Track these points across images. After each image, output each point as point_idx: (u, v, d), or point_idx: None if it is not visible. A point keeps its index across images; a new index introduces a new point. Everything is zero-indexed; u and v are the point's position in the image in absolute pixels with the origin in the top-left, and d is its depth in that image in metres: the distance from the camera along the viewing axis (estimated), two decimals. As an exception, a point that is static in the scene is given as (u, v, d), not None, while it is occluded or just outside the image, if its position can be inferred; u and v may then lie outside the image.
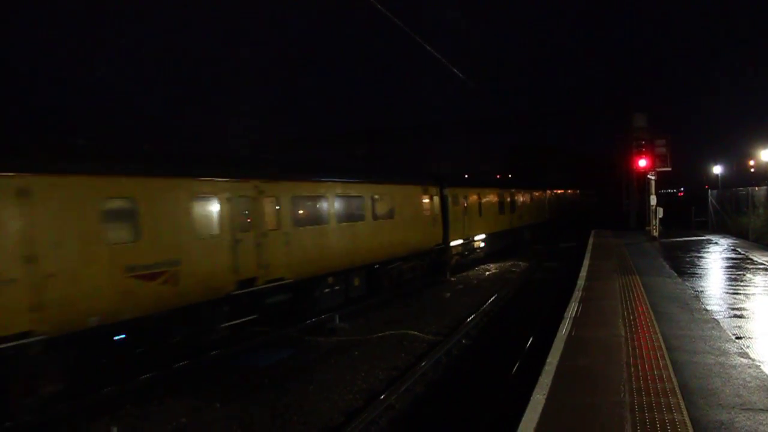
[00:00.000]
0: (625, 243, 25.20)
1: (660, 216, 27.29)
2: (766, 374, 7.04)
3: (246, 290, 12.36)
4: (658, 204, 27.34)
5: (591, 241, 26.55)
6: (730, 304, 11.36)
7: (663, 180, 32.53)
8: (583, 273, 15.96)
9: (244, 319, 12.44)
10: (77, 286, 9.07)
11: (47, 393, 8.93)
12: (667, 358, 7.77)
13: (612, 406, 6.16)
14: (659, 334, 9.05)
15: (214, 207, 11.86)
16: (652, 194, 27.52)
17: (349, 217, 16.45)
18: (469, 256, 26.05)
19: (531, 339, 12.97)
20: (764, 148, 35.64)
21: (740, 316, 10.28)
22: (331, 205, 15.61)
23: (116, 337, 10.10)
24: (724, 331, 9.21)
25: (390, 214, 18.67)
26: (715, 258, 19.52)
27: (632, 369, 7.37)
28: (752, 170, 54.33)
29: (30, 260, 8.47)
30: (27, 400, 8.66)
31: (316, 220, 15.06)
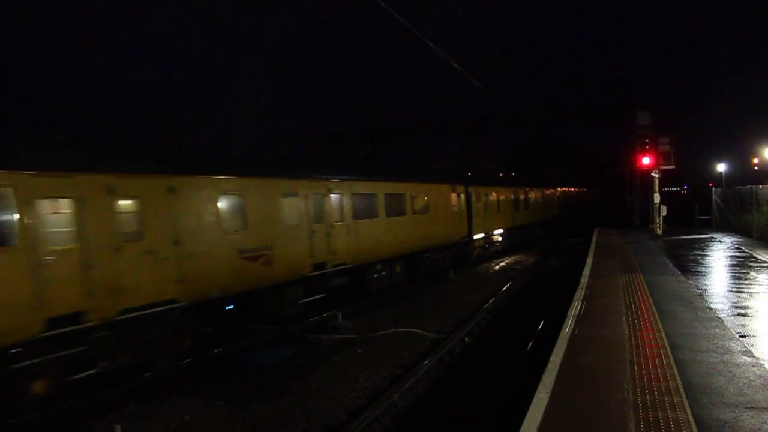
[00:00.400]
0: (628, 241, 25.15)
1: (663, 214, 27.22)
2: (770, 373, 7.02)
3: (318, 272, 14.75)
4: (662, 202, 27.27)
5: (594, 239, 26.51)
6: (734, 303, 11.32)
7: (666, 178, 32.44)
8: (587, 271, 15.93)
9: (315, 297, 14.69)
10: (206, 264, 11.36)
11: (186, 348, 11.25)
12: (671, 357, 7.76)
13: (615, 405, 6.14)
14: (663, 333, 9.03)
15: (296, 203, 14.23)
16: (655, 192, 27.46)
17: (394, 212, 18.73)
18: (489, 249, 28.18)
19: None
20: (768, 146, 35.53)
21: (744, 315, 10.25)
22: (381, 201, 18.03)
23: (228, 307, 12.42)
24: (728, 329, 9.18)
25: (425, 210, 21.05)
26: (718, 256, 19.46)
27: (636, 367, 7.36)
28: (756, 168, 54.17)
29: (176, 243, 10.74)
30: (172, 352, 10.94)
31: (369, 214, 17.33)
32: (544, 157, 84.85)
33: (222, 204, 12.04)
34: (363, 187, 17.25)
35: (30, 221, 8.56)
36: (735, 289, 12.81)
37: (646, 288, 13.05)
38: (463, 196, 24.47)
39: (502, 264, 26.83)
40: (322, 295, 14.92)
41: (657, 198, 27.24)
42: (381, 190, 18.17)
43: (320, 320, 15.03)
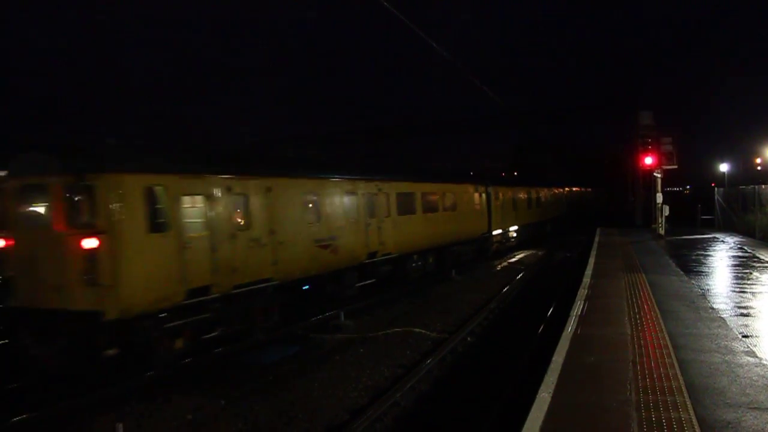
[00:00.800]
0: (630, 241, 25.13)
1: (666, 214, 27.19)
2: (773, 373, 7.00)
3: (371, 260, 17.12)
4: (664, 202, 27.24)
5: (596, 239, 26.49)
6: (736, 303, 11.31)
7: (669, 178, 32.42)
8: (589, 271, 15.92)
9: (367, 282, 17.11)
10: (292, 250, 13.55)
11: (274, 320, 13.34)
12: (674, 357, 7.74)
13: (618, 405, 6.13)
14: (665, 333, 9.02)
15: (355, 200, 16.60)
16: (658, 192, 27.43)
17: (428, 209, 21.04)
18: (505, 244, 30.42)
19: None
20: (771, 145, 35.43)
21: (747, 315, 10.23)
22: (418, 199, 20.32)
23: (304, 287, 14.77)
24: (731, 329, 9.17)
25: (453, 208, 23.31)
26: (721, 256, 19.44)
27: (638, 367, 7.35)
28: (759, 168, 54.07)
29: (272, 232, 12.92)
30: (265, 324, 13.10)
31: (409, 211, 19.61)
32: (547, 156, 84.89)
33: (303, 201, 14.46)
34: (405, 187, 19.64)
35: (176, 213, 10.75)
36: (738, 290, 12.79)
37: (648, 288, 13.04)
38: (484, 195, 26.67)
39: (518, 257, 29.11)
40: (373, 280, 17.39)
41: (659, 198, 27.23)
42: (418, 189, 20.55)
43: (322, 319, 15.03)
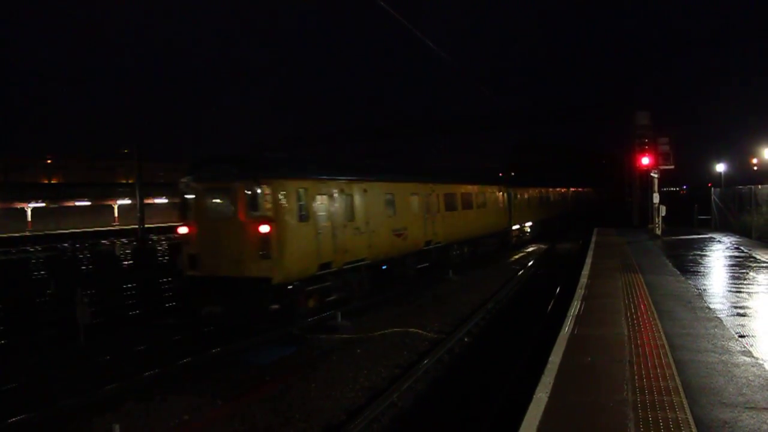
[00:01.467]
0: (627, 241, 25.16)
1: (663, 214, 27.22)
2: (769, 373, 7.01)
3: (427, 247, 21.17)
4: (661, 202, 27.27)
5: (593, 238, 26.51)
6: (733, 303, 11.32)
7: (666, 178, 32.49)
8: (586, 271, 15.93)
9: (424, 265, 21.07)
10: (379, 237, 17.49)
11: (366, 290, 17.27)
12: (670, 357, 7.75)
13: (615, 405, 6.14)
14: (662, 333, 9.03)
15: (418, 199, 20.65)
16: (654, 192, 27.47)
17: (466, 207, 25.16)
18: (522, 237, 34.50)
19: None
20: (767, 146, 35.53)
21: (743, 315, 10.25)
22: (459, 198, 24.46)
23: (383, 267, 18.54)
24: (728, 329, 9.18)
25: (484, 205, 27.65)
26: (718, 256, 19.47)
27: (635, 367, 7.35)
28: (755, 168, 54.17)
29: (367, 222, 16.78)
30: (359, 293, 16.91)
31: (453, 207, 23.64)
32: (545, 156, 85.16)
33: (386, 200, 18.42)
34: (450, 188, 23.80)
35: (313, 208, 14.44)
36: (734, 289, 12.81)
37: (645, 288, 13.05)
38: (506, 195, 30.89)
39: (528, 250, 32.59)
40: (427, 264, 21.29)
41: (656, 198, 27.25)
42: (459, 190, 24.73)
43: (319, 320, 15.02)
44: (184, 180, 14.61)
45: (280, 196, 13.46)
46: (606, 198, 69.82)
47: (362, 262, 16.60)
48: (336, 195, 15.52)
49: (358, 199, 16.59)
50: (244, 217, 13.41)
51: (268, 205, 13.29)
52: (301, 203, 14.06)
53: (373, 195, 17.40)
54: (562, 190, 47.24)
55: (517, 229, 33.28)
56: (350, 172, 17.38)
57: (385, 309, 16.71)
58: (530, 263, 26.26)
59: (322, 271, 14.73)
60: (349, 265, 15.93)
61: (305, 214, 14.12)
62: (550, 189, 42.38)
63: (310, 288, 14.45)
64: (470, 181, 26.90)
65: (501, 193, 30.25)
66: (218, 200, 14.24)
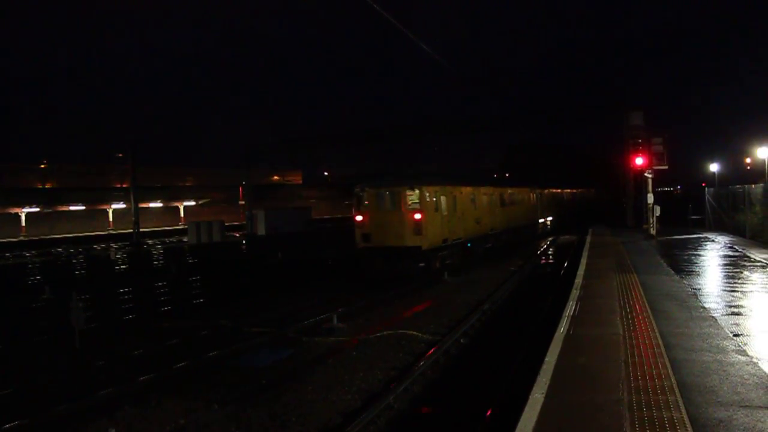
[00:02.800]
0: (622, 241, 25.22)
1: (657, 214, 27.30)
2: (764, 371, 7.03)
3: (492, 233, 29.35)
4: (655, 202, 27.36)
5: (588, 239, 26.56)
6: (727, 302, 11.36)
7: (660, 178, 32.62)
8: (581, 271, 15.96)
9: (489, 245, 29.22)
10: (467, 224, 25.57)
11: (460, 258, 24.71)
12: (665, 356, 7.77)
13: (611, 405, 6.15)
14: (657, 332, 9.04)
15: (485, 197, 28.59)
16: (649, 192, 27.55)
17: (511, 204, 33.39)
18: (544, 230, 42.21)
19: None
20: (761, 145, 35.70)
21: (738, 314, 10.28)
22: (507, 197, 32.81)
23: (468, 244, 25.55)
24: (722, 328, 9.21)
25: (521, 203, 36.01)
26: (712, 255, 19.54)
27: (630, 367, 7.37)
28: (749, 168, 54.39)
29: (462, 213, 24.99)
30: (458, 260, 24.28)
31: (503, 204, 31.78)
32: (539, 157, 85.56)
33: (470, 198, 26.38)
34: (503, 191, 32.33)
35: (438, 202, 22.25)
36: (729, 289, 12.86)
37: (640, 288, 13.08)
38: (534, 195, 39.24)
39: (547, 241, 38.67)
40: (490, 245, 29.37)
41: (650, 198, 27.33)
42: (507, 191, 33.11)
43: (315, 323, 15.01)
44: (359, 186, 22.67)
45: (425, 196, 21.62)
46: (607, 198, 71.34)
47: (459, 240, 24.49)
48: (444, 196, 23.02)
49: (457, 197, 24.45)
50: (405, 209, 21.37)
51: (421, 201, 21.40)
52: (433, 200, 21.99)
53: (463, 195, 25.44)
54: (573, 191, 56.38)
55: (542, 223, 41.73)
56: (453, 181, 25.76)
57: (381, 310, 16.70)
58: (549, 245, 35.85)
59: (443, 244, 22.80)
60: (454, 241, 23.87)
61: (435, 207, 22.11)
62: (565, 190, 51.98)
63: (438, 254, 22.60)
64: (514, 185, 36.26)
65: (532, 194, 38.88)
66: (386, 199, 21.96)
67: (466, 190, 26.07)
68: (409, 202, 21.40)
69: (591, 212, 55.54)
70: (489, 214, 28.98)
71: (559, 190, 48.94)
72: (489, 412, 9.08)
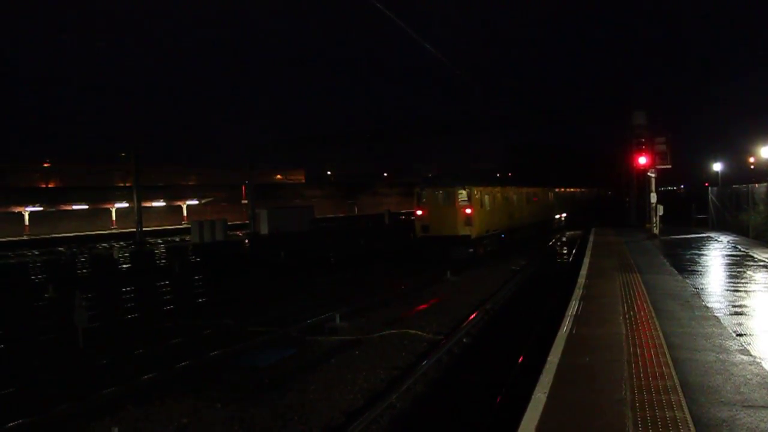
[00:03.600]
0: (625, 240, 25.20)
1: (660, 213, 27.27)
2: (767, 371, 7.02)
3: (521, 225, 34.81)
4: (659, 201, 27.32)
5: (591, 238, 26.54)
6: (730, 301, 11.34)
7: (663, 177, 32.58)
8: (584, 271, 15.95)
9: (518, 236, 33.69)
10: (502, 217, 31.03)
11: (498, 246, 30.21)
12: (668, 356, 7.76)
13: (613, 404, 6.15)
14: (660, 332, 9.04)
15: (514, 195, 33.93)
16: (652, 192, 27.51)
17: (533, 201, 38.62)
18: (559, 224, 46.95)
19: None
20: (764, 145, 35.60)
21: (741, 313, 10.26)
22: (531, 195, 38.28)
23: (502, 235, 30.90)
24: (725, 328, 9.20)
25: (542, 201, 41.39)
26: (715, 255, 19.51)
27: (633, 366, 7.37)
28: (752, 167, 54.27)
29: (502, 207, 32.00)
30: (482, 254, 27.91)
31: (528, 201, 37.22)
32: (542, 157, 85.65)
33: (504, 196, 31.25)
34: (528, 190, 37.66)
35: (479, 199, 27.29)
36: (732, 288, 12.84)
37: (643, 287, 13.07)
38: (551, 194, 44.94)
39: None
40: (519, 236, 33.85)
41: (654, 197, 27.30)
42: (531, 191, 38.36)
43: (317, 322, 15.02)
44: (419, 187, 28.24)
45: (473, 193, 26.73)
46: (612, 196, 72.89)
47: (497, 231, 29.85)
48: (489, 194, 28.87)
49: (495, 195, 30.00)
50: (458, 205, 26.26)
51: (470, 198, 26.41)
52: (477, 197, 27.14)
53: (500, 193, 30.95)
54: (582, 190, 62.20)
55: (558, 218, 47.32)
56: (491, 182, 32.12)
57: (383, 310, 16.70)
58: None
59: (486, 234, 28.09)
60: (494, 232, 29.27)
61: (480, 204, 27.48)
62: (575, 190, 58.07)
63: (483, 242, 27.72)
64: (535, 185, 40.79)
65: (550, 193, 44.57)
66: (442, 197, 26.88)
67: (501, 189, 31.66)
68: (461, 199, 26.29)
69: (597, 210, 60.62)
70: (518, 210, 34.59)
71: (570, 190, 54.95)
72: (491, 411, 9.08)
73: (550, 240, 38.44)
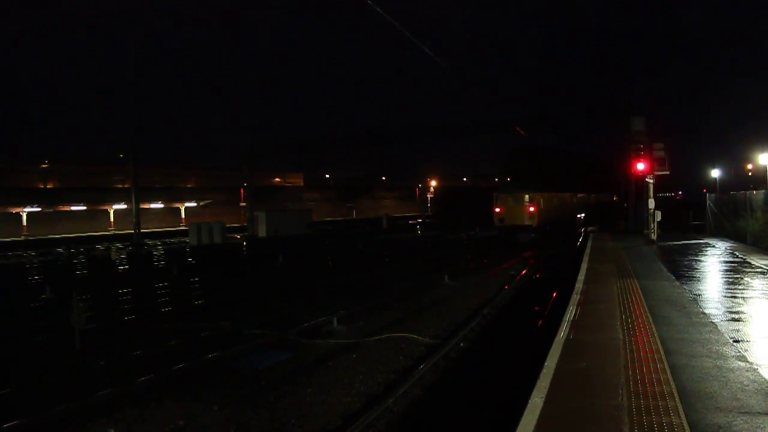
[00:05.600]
0: (623, 246, 25.22)
1: (658, 219, 27.31)
2: (764, 378, 7.03)
3: (557, 220, 46.59)
4: (656, 207, 27.36)
5: (589, 244, 26.56)
6: (728, 308, 11.36)
7: (661, 183, 32.72)
8: (581, 276, 15.96)
9: (556, 228, 44.57)
10: (544, 214, 44.69)
11: (533, 236, 41.76)
12: (665, 362, 7.77)
13: (610, 410, 6.15)
14: (657, 338, 9.05)
15: (554, 200, 47.45)
16: (650, 198, 27.55)
17: (565, 203, 49.63)
18: (580, 222, 54.15)
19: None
20: (762, 151, 35.68)
21: (738, 320, 10.28)
22: (563, 198, 50.07)
23: (547, 227, 43.45)
24: (722, 334, 9.21)
25: (569, 203, 51.10)
26: (712, 261, 19.54)
27: (630, 372, 7.37)
28: (750, 174, 54.42)
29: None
30: (534, 237, 41.43)
31: (558, 202, 48.33)
32: (540, 162, 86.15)
33: (546, 199, 44.13)
34: (557, 194, 47.44)
35: (539, 202, 43.19)
36: (729, 294, 12.85)
37: (640, 293, 13.08)
38: (575, 198, 55.26)
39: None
40: (556, 228, 43.22)
41: (652, 203, 27.34)
42: (563, 195, 48.80)
43: (315, 325, 15.02)
44: (496, 193, 43.14)
45: (531, 198, 40.00)
46: (618, 201, 75.22)
47: (546, 222, 38.92)
48: (542, 197, 40.94)
49: (543, 198, 41.96)
50: (524, 204, 40.81)
51: (533, 200, 40.75)
52: (536, 200, 39.87)
53: (545, 197, 42.44)
54: (595, 195, 71.63)
55: (579, 217, 56.01)
56: (540, 188, 43.00)
57: (381, 314, 16.70)
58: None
59: (540, 224, 39.62)
60: (544, 223, 39.12)
61: (537, 204, 39.19)
62: (592, 194, 67.60)
63: (538, 230, 38.61)
64: (561, 190, 50.55)
65: (574, 197, 55.47)
66: (514, 198, 41.28)
67: (548, 194, 44.73)
68: (526, 201, 41.32)
69: (608, 211, 68.07)
70: (558, 209, 47.38)
71: (586, 194, 65.52)
72: (488, 416, 9.09)
73: (536, 252, 37.79)
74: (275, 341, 13.78)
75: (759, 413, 5.94)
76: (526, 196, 41.42)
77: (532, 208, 41.18)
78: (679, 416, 5.93)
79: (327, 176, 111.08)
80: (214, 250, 41.35)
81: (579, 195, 59.32)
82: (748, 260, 18.76)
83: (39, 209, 59.80)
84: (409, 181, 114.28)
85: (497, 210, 42.49)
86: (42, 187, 68.71)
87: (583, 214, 58.22)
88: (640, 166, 27.11)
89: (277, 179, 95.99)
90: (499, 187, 48.66)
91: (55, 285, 22.44)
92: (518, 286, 21.81)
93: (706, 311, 11.01)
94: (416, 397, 10.09)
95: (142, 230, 49.24)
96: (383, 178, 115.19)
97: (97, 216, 64.91)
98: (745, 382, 6.87)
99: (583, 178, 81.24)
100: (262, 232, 52.65)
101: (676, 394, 6.54)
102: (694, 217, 34.58)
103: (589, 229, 48.63)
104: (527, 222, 41.08)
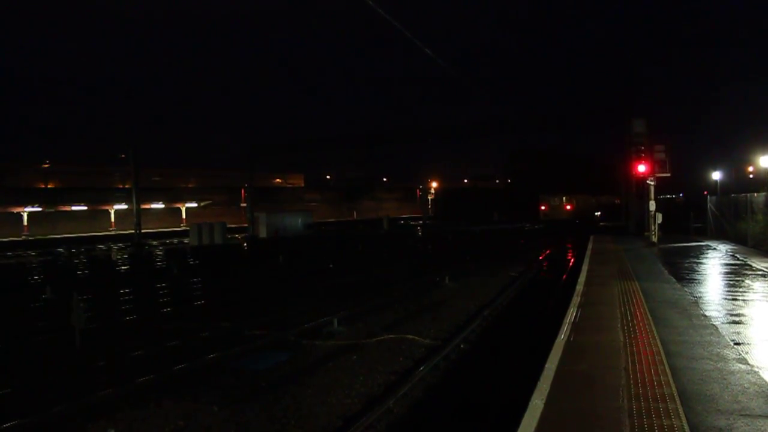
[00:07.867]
0: (623, 248, 25.21)
1: (659, 221, 27.30)
2: (764, 380, 7.02)
3: (586, 217, 71.88)
4: (657, 209, 27.35)
5: (590, 246, 26.55)
6: (728, 310, 11.35)
7: (662, 185, 32.68)
8: (582, 278, 15.95)
9: (582, 223, 65.63)
10: (575, 211, 79.81)
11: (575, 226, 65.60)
12: (666, 364, 7.76)
13: (610, 412, 6.14)
14: (658, 340, 9.04)
15: (582, 201, 78.28)
16: (651, 200, 27.55)
17: (589, 204, 76.21)
18: (598, 219, 64.84)
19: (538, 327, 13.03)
20: (763, 154, 35.67)
21: (739, 322, 10.27)
22: (588, 200, 77.10)
23: (576, 221, 66.62)
24: (723, 336, 9.20)
25: (591, 203, 75.15)
26: (713, 264, 19.52)
27: (631, 374, 7.36)
28: (751, 176, 54.38)
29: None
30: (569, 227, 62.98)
31: (581, 203, 76.97)
32: (541, 163, 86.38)
33: (576, 200, 76.23)
34: (584, 196, 76.05)
35: (560, 204, 78.36)
36: (730, 297, 12.85)
37: (641, 295, 13.07)
38: (594, 199, 73.90)
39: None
40: (577, 221, 66.13)
41: (652, 205, 27.34)
42: (586, 197, 75.14)
43: (315, 326, 15.01)
44: (542, 195, 74.85)
45: (559, 201, 72.44)
46: (623, 202, 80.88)
47: (576, 217, 62.35)
48: (574, 199, 69.81)
49: (577, 199, 70.71)
50: (563, 203, 74.11)
51: (565, 201, 73.79)
52: (571, 200, 70.01)
53: (575, 198, 69.34)
54: (607, 197, 79.84)
55: (597, 215, 68.11)
56: (573, 193, 72.94)
57: (381, 315, 16.69)
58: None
59: (573, 218, 60.72)
60: (576, 218, 61.12)
61: (572, 203, 71.54)
62: (603, 196, 77.43)
63: (572, 222, 59.75)
64: (581, 193, 67.21)
65: (592, 199, 70.07)
66: (556, 199, 74.46)
67: (578, 196, 62.95)
68: (564, 202, 68.49)
69: (616, 211, 76.89)
70: (585, 208, 64.19)
71: (601, 196, 78.08)
72: (489, 418, 9.08)
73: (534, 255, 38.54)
74: (275, 342, 13.76)
75: (760, 416, 5.93)
76: (564, 198, 67.92)
77: (569, 207, 66.83)
78: (680, 418, 5.92)
79: (328, 177, 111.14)
80: (215, 251, 41.35)
81: (596, 197, 76.80)
82: (749, 263, 18.74)
83: (40, 209, 59.86)
84: (410, 182, 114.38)
85: (542, 208, 69.05)
86: (43, 187, 68.77)
87: (599, 212, 73.08)
88: (641, 168, 27.11)
89: (277, 180, 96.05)
90: (543, 193, 73.70)
91: (56, 285, 22.44)
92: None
93: (707, 313, 11.00)
94: (416, 399, 10.08)
95: (142, 230, 49.26)
96: (384, 179, 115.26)
97: (97, 216, 64.96)
98: (745, 385, 6.86)
99: (586, 180, 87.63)
100: (262, 232, 52.68)
101: (676, 397, 6.53)
102: (694, 219, 34.53)
103: (601, 224, 60.91)
104: (564, 216, 64.19)
